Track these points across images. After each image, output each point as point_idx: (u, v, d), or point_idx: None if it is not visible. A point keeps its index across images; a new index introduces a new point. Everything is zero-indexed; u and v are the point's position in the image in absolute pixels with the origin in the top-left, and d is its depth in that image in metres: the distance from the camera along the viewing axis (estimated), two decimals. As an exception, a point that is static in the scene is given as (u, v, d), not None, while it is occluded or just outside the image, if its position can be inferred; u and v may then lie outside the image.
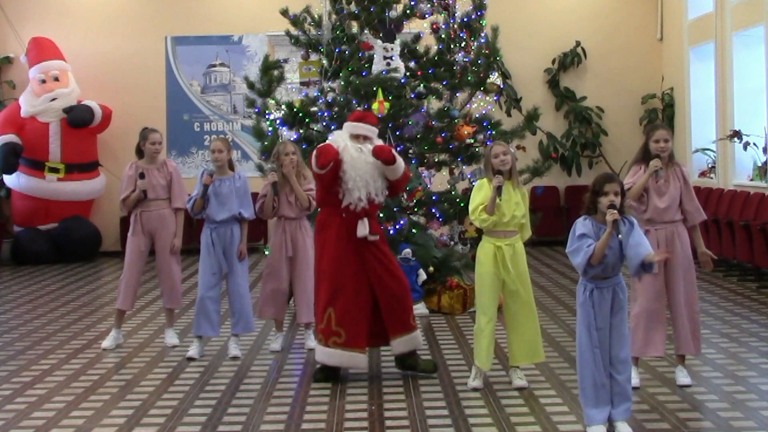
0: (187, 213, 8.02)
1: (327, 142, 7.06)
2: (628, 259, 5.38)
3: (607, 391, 5.48)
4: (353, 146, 6.85)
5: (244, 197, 7.78)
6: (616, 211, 5.26)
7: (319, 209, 7.25)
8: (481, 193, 6.53)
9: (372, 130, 7.01)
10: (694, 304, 6.61)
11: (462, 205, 9.59)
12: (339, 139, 6.96)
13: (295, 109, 10.13)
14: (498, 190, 6.41)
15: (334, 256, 6.86)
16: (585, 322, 5.46)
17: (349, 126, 7.04)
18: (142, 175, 8.03)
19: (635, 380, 6.53)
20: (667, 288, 6.63)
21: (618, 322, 5.49)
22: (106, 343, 8.18)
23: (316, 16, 10.60)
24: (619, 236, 5.26)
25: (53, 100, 14.64)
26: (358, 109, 9.74)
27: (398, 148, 9.90)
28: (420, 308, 9.50)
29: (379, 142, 7.03)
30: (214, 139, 7.96)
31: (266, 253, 10.51)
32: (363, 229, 6.80)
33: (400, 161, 6.95)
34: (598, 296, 5.44)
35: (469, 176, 10.30)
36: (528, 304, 6.63)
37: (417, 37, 10.82)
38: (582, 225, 5.44)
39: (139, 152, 8.21)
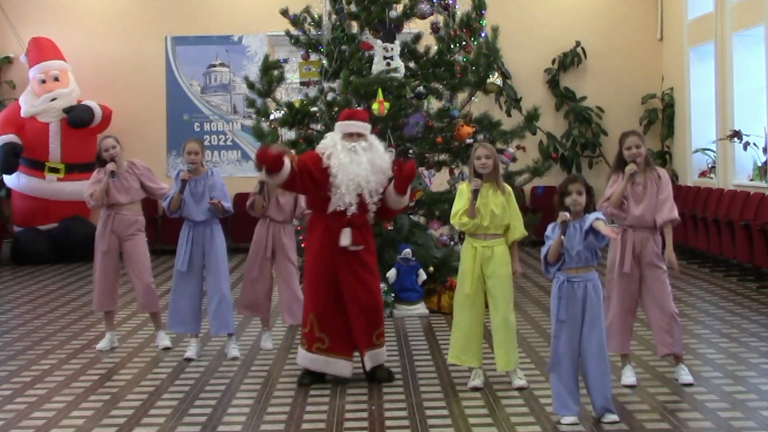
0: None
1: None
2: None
3: (575, 384, 5.69)
4: (344, 147, 6.67)
5: (222, 190, 7.70)
6: (567, 214, 5.66)
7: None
8: (462, 198, 6.56)
9: (364, 127, 6.81)
10: (667, 306, 6.54)
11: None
12: (329, 141, 6.78)
13: (295, 109, 10.12)
14: (475, 194, 6.44)
15: (316, 261, 6.77)
16: (555, 313, 5.74)
17: (340, 125, 6.84)
18: (113, 174, 7.86)
19: (631, 378, 6.56)
20: (640, 292, 6.64)
21: (589, 319, 5.68)
22: (101, 345, 8.15)
23: (316, 16, 10.60)
24: (562, 237, 5.63)
25: (53, 100, 14.63)
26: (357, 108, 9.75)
27: (398, 148, 9.91)
28: (420, 308, 9.51)
29: (374, 138, 6.86)
30: (188, 141, 7.77)
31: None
32: (345, 239, 6.64)
33: (407, 195, 6.91)
34: (568, 289, 5.68)
35: (469, 176, 10.29)
36: (501, 311, 6.51)
37: (417, 37, 10.81)
38: (548, 229, 5.78)
39: (100, 161, 8.01)
